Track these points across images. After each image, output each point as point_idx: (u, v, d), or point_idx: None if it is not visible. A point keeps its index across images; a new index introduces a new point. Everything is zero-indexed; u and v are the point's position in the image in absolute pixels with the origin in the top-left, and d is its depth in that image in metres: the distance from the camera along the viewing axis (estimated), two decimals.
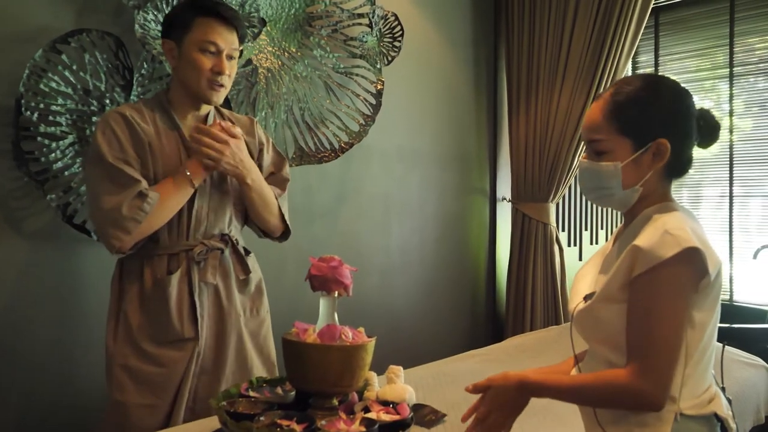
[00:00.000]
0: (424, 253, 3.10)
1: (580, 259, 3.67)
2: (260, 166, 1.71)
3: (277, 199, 1.70)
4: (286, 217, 1.73)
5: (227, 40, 1.57)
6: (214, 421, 1.35)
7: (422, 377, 1.90)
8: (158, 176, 1.52)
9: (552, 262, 3.23)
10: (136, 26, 1.91)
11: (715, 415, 1.05)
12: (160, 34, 1.94)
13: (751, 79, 3.65)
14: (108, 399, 1.51)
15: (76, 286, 1.95)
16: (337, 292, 1.25)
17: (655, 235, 1.01)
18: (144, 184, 1.47)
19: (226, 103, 2.14)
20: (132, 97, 1.97)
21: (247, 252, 1.71)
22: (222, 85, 1.57)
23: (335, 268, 1.23)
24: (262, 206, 1.65)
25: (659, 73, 4.00)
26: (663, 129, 1.08)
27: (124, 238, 1.44)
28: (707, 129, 1.11)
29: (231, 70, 1.60)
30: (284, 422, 1.12)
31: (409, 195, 3.02)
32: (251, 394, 1.29)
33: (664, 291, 0.99)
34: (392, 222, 2.95)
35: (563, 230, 3.55)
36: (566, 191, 3.41)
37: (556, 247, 3.25)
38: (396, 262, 2.96)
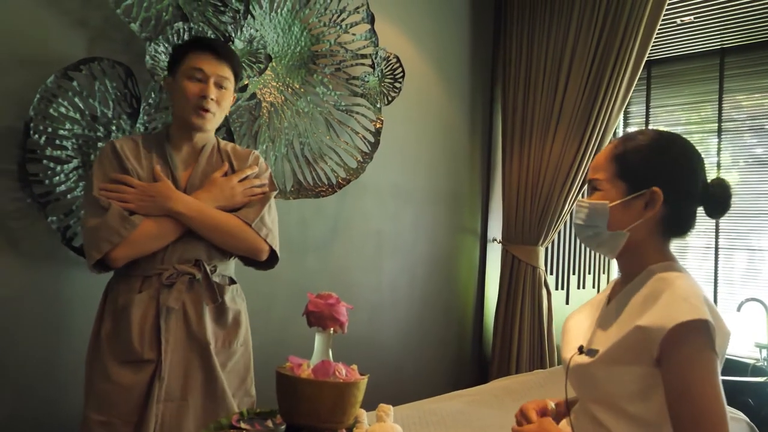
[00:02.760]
0: (413, 291, 3.12)
1: (567, 303, 3.72)
2: None
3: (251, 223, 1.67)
4: (269, 241, 1.70)
5: (214, 67, 1.63)
6: None
7: (408, 416, 1.91)
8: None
9: (540, 305, 3.26)
10: (147, 57, 1.96)
11: None
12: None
13: (739, 135, 3.77)
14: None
15: (71, 308, 1.96)
16: (332, 329, 1.27)
17: (671, 303, 1.02)
18: (123, 212, 1.54)
19: (229, 135, 2.19)
20: (138, 125, 2.01)
21: (232, 281, 1.72)
22: (207, 110, 1.62)
23: (332, 305, 1.26)
24: (212, 231, 1.63)
25: (651, 126, 4.12)
26: (661, 180, 1.09)
27: (95, 256, 1.51)
28: (719, 197, 1.12)
29: (220, 97, 1.65)
30: None
31: (402, 232, 3.07)
32: (242, 426, 1.30)
33: (698, 360, 0.99)
34: (384, 258, 2.99)
35: (551, 273, 3.60)
36: (556, 236, 3.46)
37: (544, 291, 3.29)
38: (386, 299, 2.99)
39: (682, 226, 1.13)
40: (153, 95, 2.05)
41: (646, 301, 1.06)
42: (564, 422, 1.21)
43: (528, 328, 3.25)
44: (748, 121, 3.74)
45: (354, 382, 1.22)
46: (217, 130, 1.98)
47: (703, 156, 1.15)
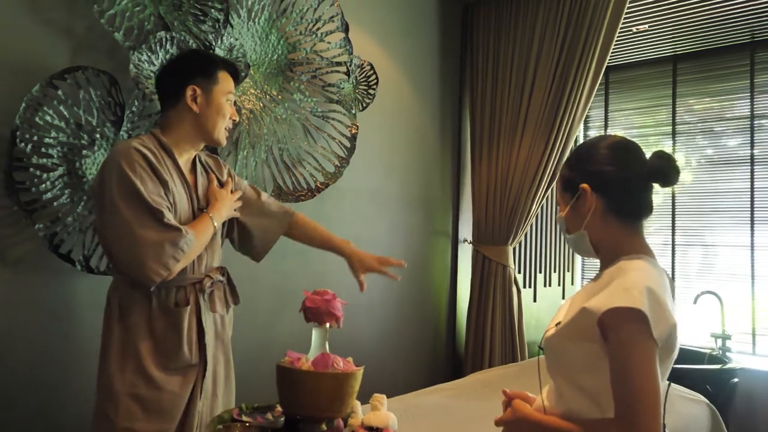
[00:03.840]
0: (389, 292, 3.21)
1: (534, 301, 3.86)
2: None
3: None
4: None
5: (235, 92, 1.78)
6: None
7: (393, 409, 1.98)
8: (175, 215, 1.61)
9: (510, 302, 3.39)
10: (131, 66, 2.00)
11: None
12: (152, 74, 2.04)
13: (691, 137, 3.99)
14: (116, 428, 1.52)
15: (58, 315, 1.97)
16: (329, 324, 1.35)
17: (612, 290, 1.13)
18: (183, 227, 1.55)
19: None
20: (122, 133, 2.04)
21: None
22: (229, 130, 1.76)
23: (329, 301, 1.34)
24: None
25: (608, 129, 4.31)
26: (585, 177, 1.25)
27: (163, 274, 1.51)
28: (661, 167, 1.22)
29: None
30: None
31: (378, 235, 3.15)
32: (244, 419, 1.36)
33: (633, 345, 1.07)
34: None
35: (519, 272, 3.73)
36: (524, 236, 3.60)
37: (514, 288, 3.42)
38: (363, 300, 3.05)
39: (627, 209, 1.24)
40: (136, 103, 2.08)
41: (599, 287, 1.19)
42: (538, 398, 1.32)
43: (499, 324, 3.37)
44: (699, 124, 3.96)
45: (352, 373, 1.30)
46: None
47: (633, 143, 1.27)
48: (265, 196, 1.97)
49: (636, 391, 1.06)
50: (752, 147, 3.71)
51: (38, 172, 1.86)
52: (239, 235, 1.90)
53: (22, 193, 1.84)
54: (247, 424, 1.32)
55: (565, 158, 3.36)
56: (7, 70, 1.87)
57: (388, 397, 2.36)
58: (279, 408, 1.41)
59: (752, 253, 3.64)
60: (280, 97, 2.60)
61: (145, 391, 1.54)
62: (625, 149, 1.27)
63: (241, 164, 2.45)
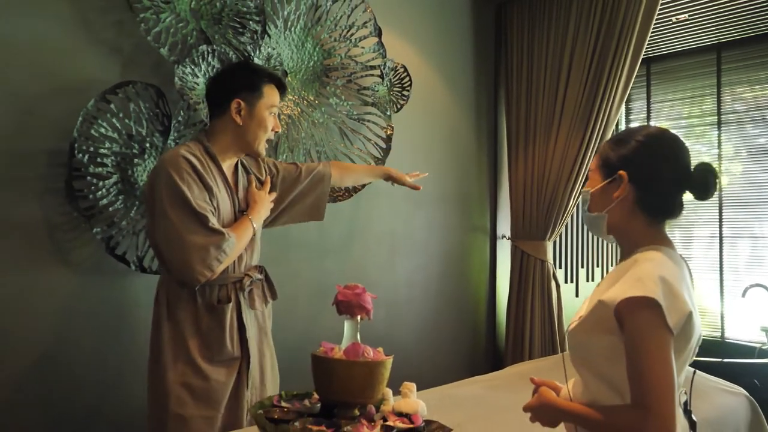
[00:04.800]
0: (428, 288, 3.28)
1: (577, 296, 3.85)
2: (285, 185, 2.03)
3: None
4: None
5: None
6: (253, 430, 1.52)
7: (428, 399, 2.04)
8: (219, 218, 1.74)
9: (549, 298, 3.40)
10: (176, 79, 2.14)
11: None
12: (196, 85, 2.18)
13: (741, 126, 3.88)
14: (168, 414, 1.67)
15: (115, 311, 2.14)
16: (359, 316, 1.44)
17: (626, 281, 1.16)
18: (226, 230, 1.69)
19: None
20: (170, 142, 2.19)
21: None
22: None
23: (359, 294, 1.42)
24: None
25: (653, 121, 4.25)
26: (627, 164, 1.24)
27: (208, 275, 1.66)
28: (701, 179, 1.22)
29: None
30: (315, 427, 1.29)
31: (414, 233, 3.22)
32: (283, 404, 1.46)
33: (648, 333, 1.10)
34: (398, 258, 3.14)
35: (560, 267, 3.73)
36: (563, 230, 3.60)
37: (553, 283, 3.43)
38: (402, 296, 3.14)
39: (658, 207, 1.24)
40: (182, 113, 2.22)
41: (616, 278, 1.21)
42: (564, 388, 1.36)
43: (539, 319, 3.39)
44: (750, 112, 3.85)
45: (381, 361, 1.38)
46: None
47: (685, 145, 1.27)
48: (304, 168, 2.08)
49: (650, 378, 1.09)
50: None
51: (95, 180, 2.02)
52: (295, 212, 2.07)
53: (81, 200, 2.01)
54: (285, 409, 1.42)
55: None
56: (65, 89, 2.04)
57: (427, 389, 2.44)
58: (316, 395, 1.50)
59: None
60: (316, 102, 2.70)
61: (194, 380, 1.68)
62: (673, 147, 1.25)
63: None
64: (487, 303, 3.65)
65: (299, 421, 1.32)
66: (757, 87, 3.81)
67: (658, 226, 1.27)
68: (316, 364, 1.40)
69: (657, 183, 1.24)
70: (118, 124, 2.08)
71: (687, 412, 1.29)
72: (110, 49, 2.15)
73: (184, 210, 1.63)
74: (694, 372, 1.38)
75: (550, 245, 3.46)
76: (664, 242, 1.26)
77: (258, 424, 1.34)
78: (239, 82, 1.79)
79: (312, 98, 2.70)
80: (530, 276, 3.42)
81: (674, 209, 1.26)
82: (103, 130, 2.04)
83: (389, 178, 2.25)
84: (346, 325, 1.44)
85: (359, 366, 1.36)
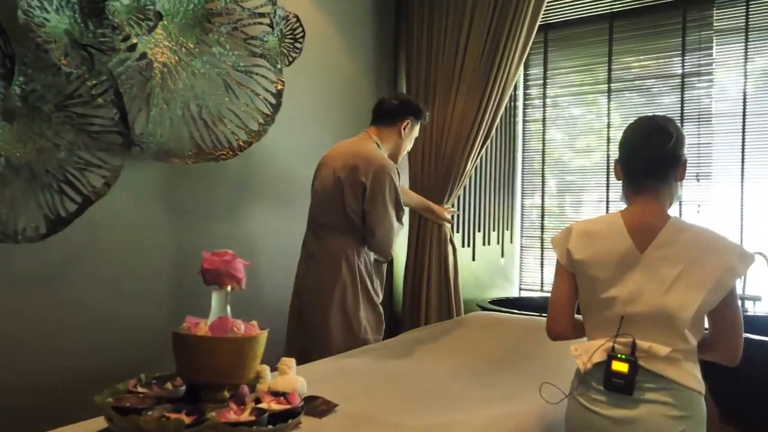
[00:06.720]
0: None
1: (473, 259, 3.87)
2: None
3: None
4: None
5: None
6: (99, 421, 1.32)
7: (314, 373, 1.93)
8: None
9: (446, 262, 3.38)
10: (19, 12, 1.82)
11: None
12: (46, 21, 1.87)
13: (627, 94, 4.01)
14: (357, 339, 2.39)
15: None
16: (230, 286, 1.27)
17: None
18: None
19: (118, 97, 2.09)
20: (14, 87, 1.87)
21: None
22: None
23: (228, 261, 1.25)
24: None
25: (547, 88, 4.29)
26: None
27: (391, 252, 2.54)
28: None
29: None
30: (173, 415, 1.13)
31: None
32: (139, 390, 1.28)
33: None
34: (296, 223, 2.96)
35: (458, 232, 3.72)
36: (461, 193, 3.58)
37: (450, 247, 3.41)
38: (296, 262, 2.97)
39: (625, 176, 1.59)
40: (29, 54, 1.90)
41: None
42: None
43: (435, 283, 3.36)
44: (636, 81, 3.97)
45: (253, 337, 1.23)
46: (105, 92, 1.95)
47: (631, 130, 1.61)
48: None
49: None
50: (683, 104, 3.76)
51: None
52: None
53: None
54: (141, 395, 1.24)
55: (498, 116, 3.34)
56: None
57: (312, 362, 2.33)
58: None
59: None
60: (197, 50, 2.44)
61: (372, 314, 2.47)
62: (632, 130, 1.64)
63: (154, 122, 2.29)
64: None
65: (155, 409, 1.15)
66: (642, 57, 3.93)
67: (629, 192, 1.60)
68: (176, 343, 1.23)
69: (625, 161, 1.63)
70: None
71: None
72: None
73: (397, 208, 2.45)
74: (622, 318, 1.38)
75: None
76: (626, 201, 1.61)
77: (105, 415, 1.16)
78: (414, 110, 2.60)
79: (192, 46, 2.43)
80: (427, 240, 3.38)
81: (626, 178, 1.60)
82: None
83: (429, 210, 3.12)
84: (214, 297, 1.28)
85: (226, 342, 1.20)
